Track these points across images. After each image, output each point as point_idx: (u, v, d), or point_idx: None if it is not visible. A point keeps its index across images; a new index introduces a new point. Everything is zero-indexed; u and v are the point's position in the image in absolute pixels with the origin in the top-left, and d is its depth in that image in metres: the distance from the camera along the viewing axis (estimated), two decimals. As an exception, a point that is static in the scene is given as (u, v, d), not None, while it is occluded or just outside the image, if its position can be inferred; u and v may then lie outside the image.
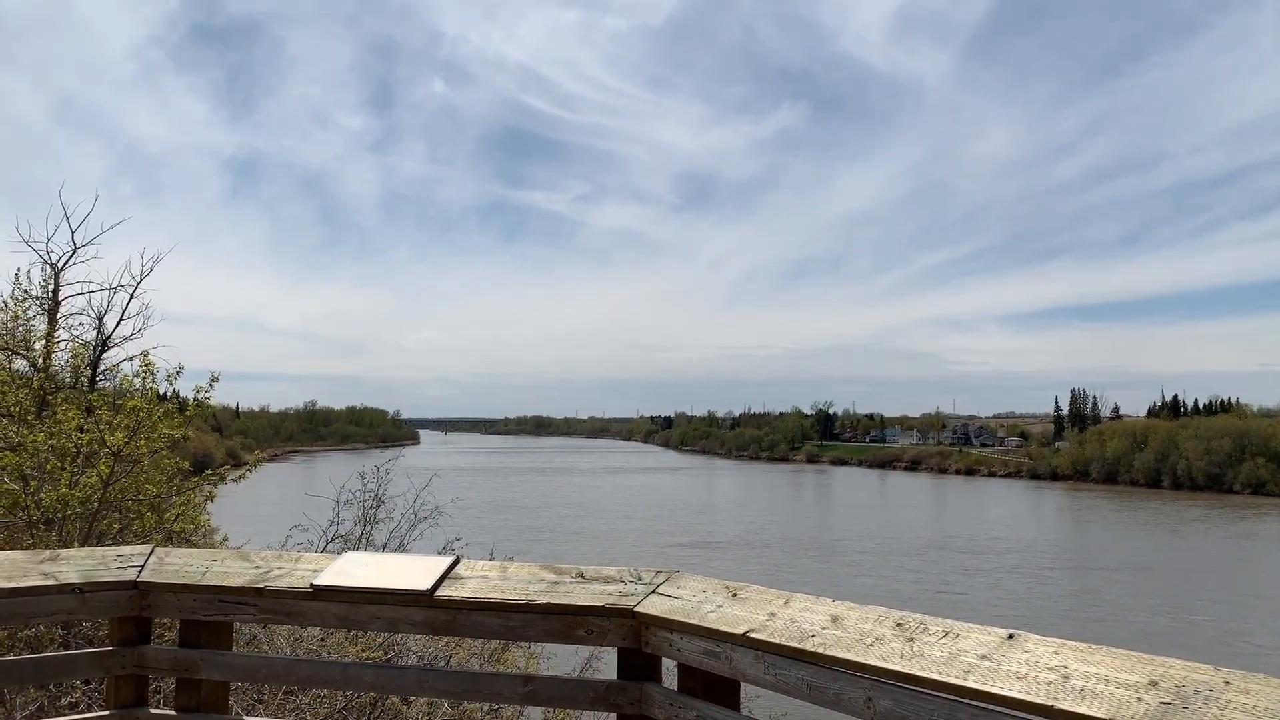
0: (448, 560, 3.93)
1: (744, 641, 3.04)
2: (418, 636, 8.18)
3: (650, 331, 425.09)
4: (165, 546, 5.05)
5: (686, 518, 75.53)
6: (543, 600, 3.53)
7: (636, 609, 3.41)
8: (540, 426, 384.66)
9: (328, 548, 10.10)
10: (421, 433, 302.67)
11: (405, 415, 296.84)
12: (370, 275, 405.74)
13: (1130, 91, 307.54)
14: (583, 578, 3.67)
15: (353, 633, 7.77)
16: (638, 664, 3.50)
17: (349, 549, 9.39)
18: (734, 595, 3.31)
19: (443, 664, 8.56)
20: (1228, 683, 2.06)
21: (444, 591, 3.70)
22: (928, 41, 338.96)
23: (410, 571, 3.90)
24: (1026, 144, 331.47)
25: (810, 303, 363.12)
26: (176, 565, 4.21)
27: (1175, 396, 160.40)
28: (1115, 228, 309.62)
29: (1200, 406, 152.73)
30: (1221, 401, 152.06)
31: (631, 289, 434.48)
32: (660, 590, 3.50)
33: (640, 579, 3.61)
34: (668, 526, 68.35)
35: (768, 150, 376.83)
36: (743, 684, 3.29)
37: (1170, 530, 75.66)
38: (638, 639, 3.45)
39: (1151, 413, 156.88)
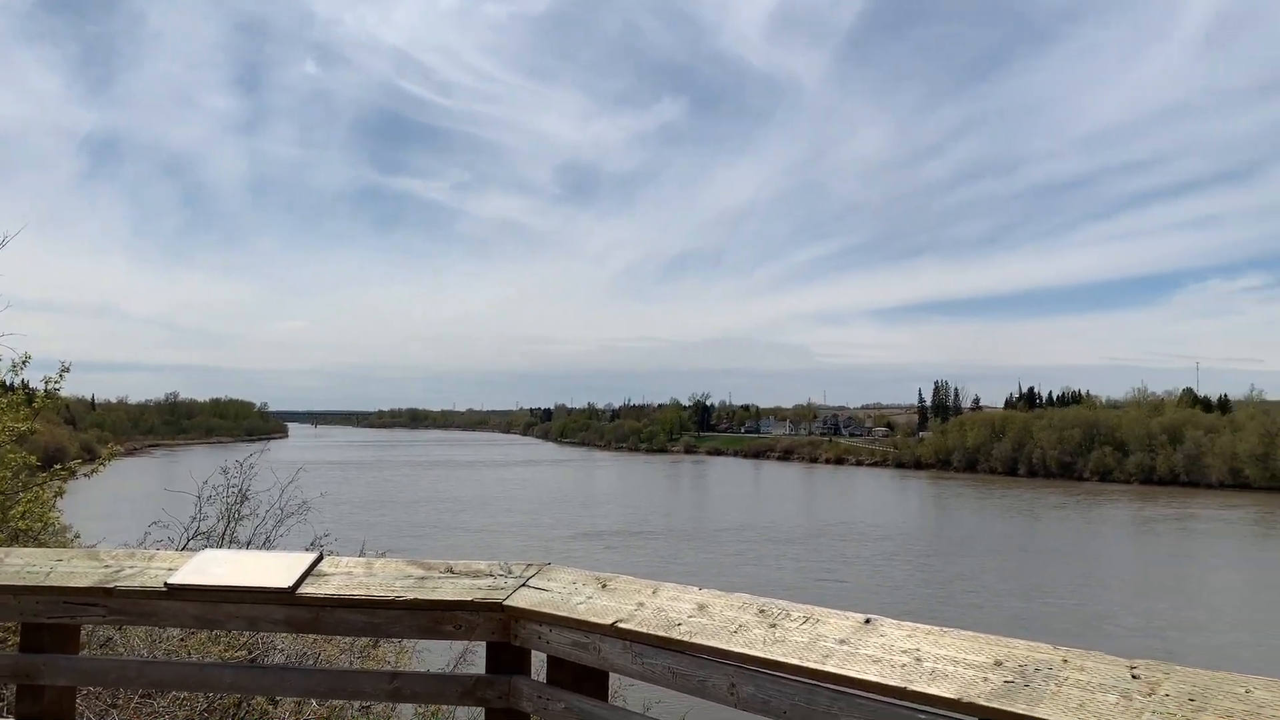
0: (311, 557, 3.84)
1: (612, 632, 3.06)
2: (286, 634, 7.95)
3: (531, 323, 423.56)
4: (8, 546, 4.79)
5: (568, 510, 75.44)
6: (410, 596, 3.48)
7: (506, 603, 3.40)
8: (416, 419, 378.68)
9: (189, 545, 9.70)
10: (290, 426, 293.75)
11: (273, 408, 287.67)
12: (237, 262, 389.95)
13: (993, 97, 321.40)
14: (452, 572, 3.64)
15: (216, 632, 7.51)
16: (506, 657, 3.49)
17: (211, 546, 9.07)
18: (604, 586, 3.33)
19: (310, 661, 8.36)
20: (1065, 660, 2.19)
21: (306, 589, 3.61)
22: (804, 42, 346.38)
23: (272, 568, 3.79)
24: (897, 145, 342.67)
25: (691, 296, 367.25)
26: (17, 566, 4.00)
27: (1031, 389, 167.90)
28: (977, 227, 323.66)
29: (1054, 398, 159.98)
30: (1073, 393, 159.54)
31: (512, 280, 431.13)
32: (531, 583, 3.50)
33: (511, 572, 3.59)
34: (549, 519, 68.09)
35: (649, 144, 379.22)
36: (611, 674, 3.31)
37: (1031, 516, 79.36)
38: (507, 633, 3.45)
39: (1009, 404, 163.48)
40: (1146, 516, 78.34)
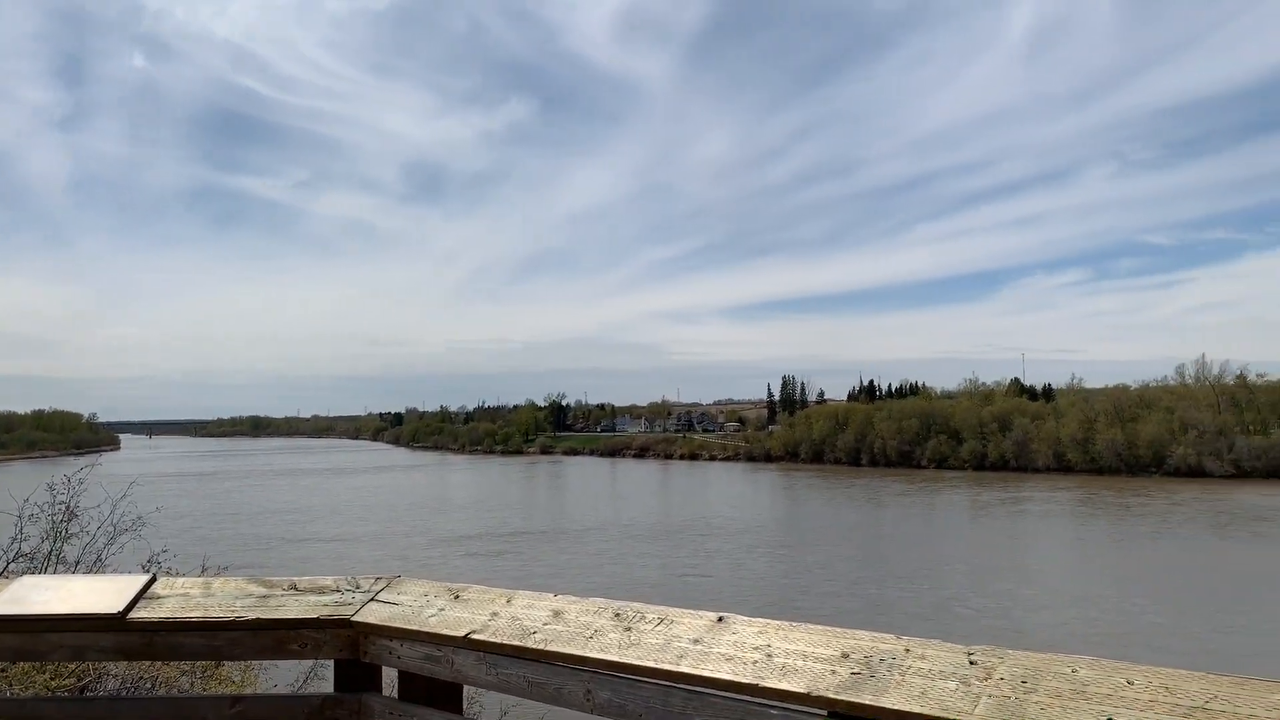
0: (144, 578, 3.60)
1: (466, 644, 3.02)
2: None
3: (379, 326, 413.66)
4: None
5: (424, 517, 73.86)
6: (251, 616, 3.32)
7: (354, 618, 3.30)
8: (258, 427, 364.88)
9: (9, 568, 9.05)
10: (123, 437, 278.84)
11: (103, 419, 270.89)
12: (62, 265, 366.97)
13: (832, 101, 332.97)
14: (296, 590, 3.50)
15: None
16: (356, 675, 3.39)
17: (34, 568, 8.51)
18: (456, 597, 3.28)
19: (148, 687, 7.94)
20: (908, 650, 2.28)
21: (138, 613, 3.38)
22: (650, 44, 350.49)
23: (100, 593, 3.53)
24: (742, 148, 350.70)
25: (544, 297, 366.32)
26: None
27: (872, 381, 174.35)
28: (820, 227, 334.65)
29: (893, 390, 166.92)
30: (910, 385, 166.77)
31: (359, 282, 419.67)
32: (380, 597, 3.41)
33: (359, 587, 3.49)
34: (404, 527, 66.55)
35: (498, 143, 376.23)
36: (466, 686, 3.26)
37: (878, 505, 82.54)
38: (356, 649, 3.34)
39: (852, 396, 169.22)
40: (983, 501, 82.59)
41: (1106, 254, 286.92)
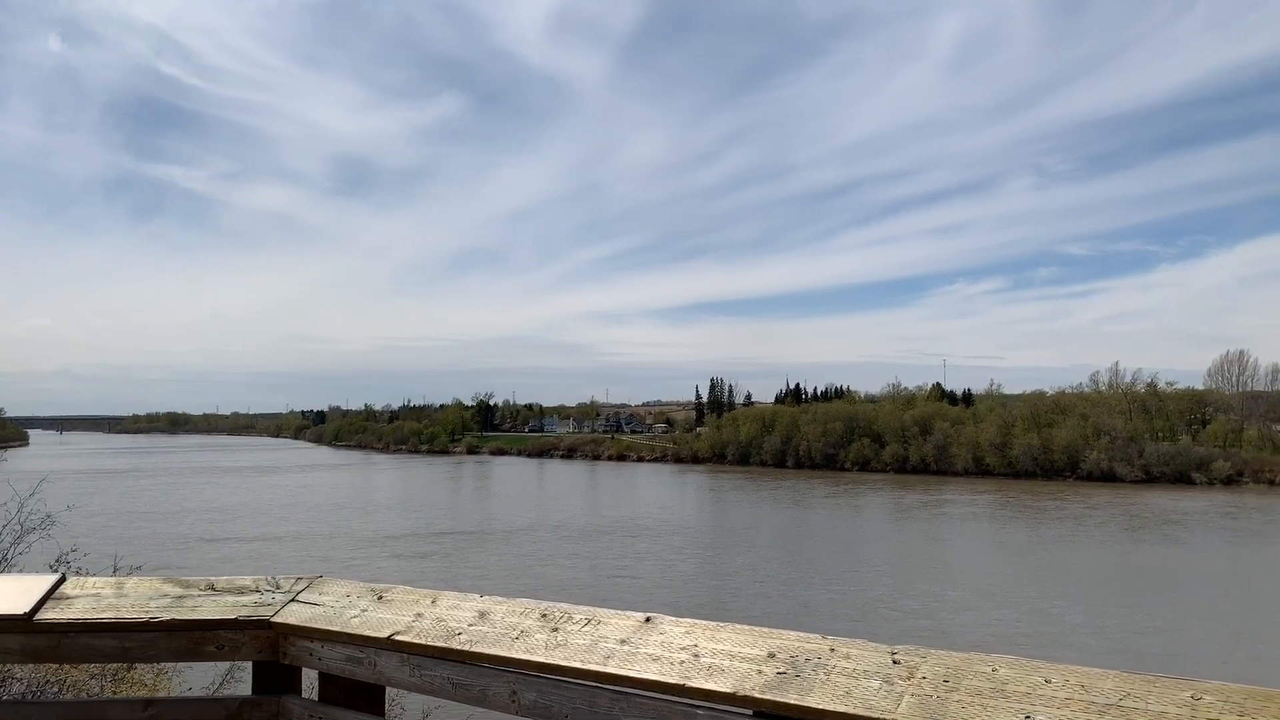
0: (52, 579, 3.43)
1: (389, 645, 2.97)
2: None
3: (303, 321, 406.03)
4: None
5: (348, 516, 72.57)
6: (166, 617, 3.20)
7: (274, 619, 3.22)
8: (176, 424, 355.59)
9: (-95, 570, 8.69)
10: (31, 433, 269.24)
11: (11, 413, 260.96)
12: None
13: (763, 106, 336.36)
14: (214, 590, 3.39)
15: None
16: (275, 677, 3.30)
17: (-67, 570, 8.18)
18: (380, 598, 3.24)
19: (55, 690, 7.68)
20: (833, 649, 2.30)
21: (46, 614, 3.22)
22: (584, 44, 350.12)
23: (6, 594, 3.39)
24: (674, 150, 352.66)
25: (473, 295, 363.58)
26: None
27: (798, 385, 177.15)
28: (750, 231, 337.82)
29: (818, 393, 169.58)
30: (836, 389, 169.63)
31: (283, 276, 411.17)
32: (301, 598, 3.34)
33: (279, 587, 3.41)
34: (328, 527, 65.29)
35: (429, 139, 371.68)
36: (388, 688, 3.20)
37: (805, 507, 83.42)
38: (275, 651, 3.26)
39: (779, 399, 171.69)
40: (907, 504, 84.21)
41: (1025, 263, 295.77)
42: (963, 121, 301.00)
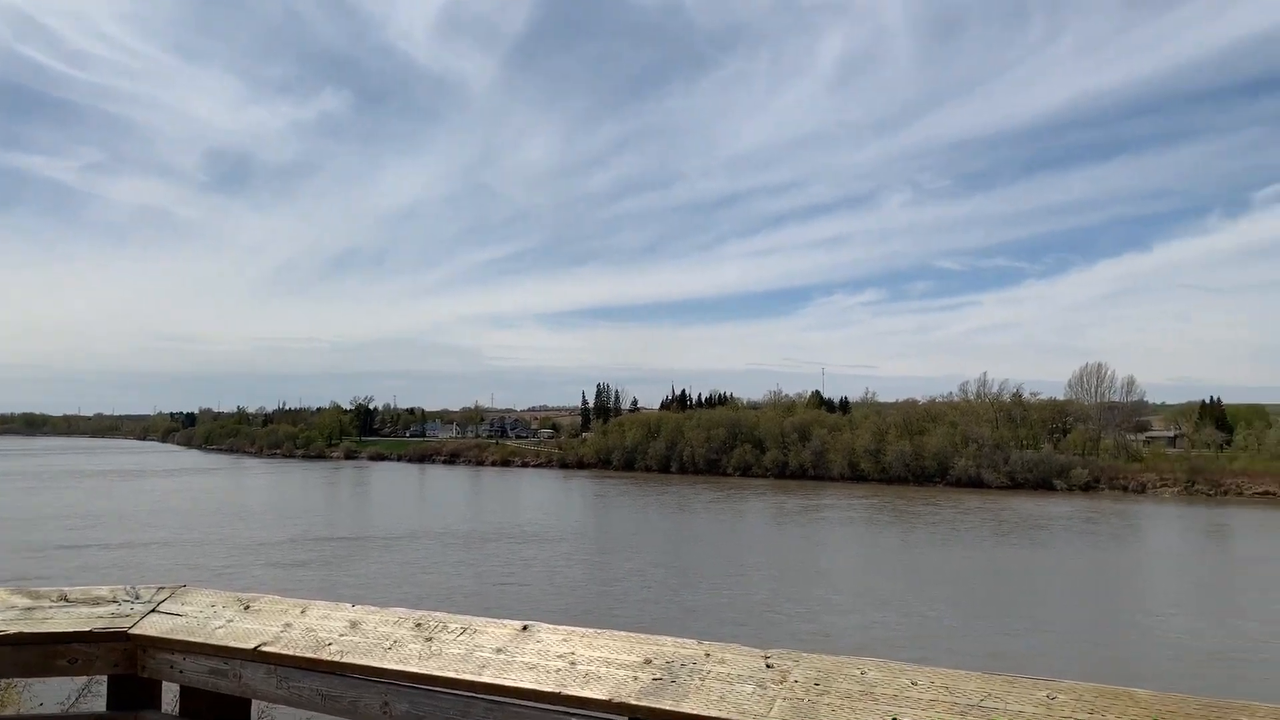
0: None
1: (255, 656, 2.93)
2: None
3: (175, 320, 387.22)
4: None
5: (218, 523, 69.83)
6: (13, 630, 3.05)
7: (132, 631, 3.12)
8: (33, 425, 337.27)
9: None
10: None
11: None
12: None
13: (653, 114, 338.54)
14: (67, 601, 3.27)
15: None
16: (133, 691, 3.19)
17: None
18: (246, 608, 3.19)
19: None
20: (708, 654, 2.35)
21: None
22: (473, 44, 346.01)
23: None
24: (564, 154, 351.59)
25: (354, 296, 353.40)
26: None
27: (683, 391, 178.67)
28: (638, 238, 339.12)
29: (703, 400, 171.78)
30: (720, 396, 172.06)
31: (154, 273, 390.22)
32: (162, 608, 3.25)
33: (139, 597, 3.32)
34: (197, 534, 62.70)
35: (310, 135, 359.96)
36: (254, 701, 3.15)
37: (691, 512, 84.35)
38: (133, 664, 3.15)
39: (664, 405, 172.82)
40: (789, 509, 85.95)
41: (901, 276, 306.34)
42: (845, 137, 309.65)
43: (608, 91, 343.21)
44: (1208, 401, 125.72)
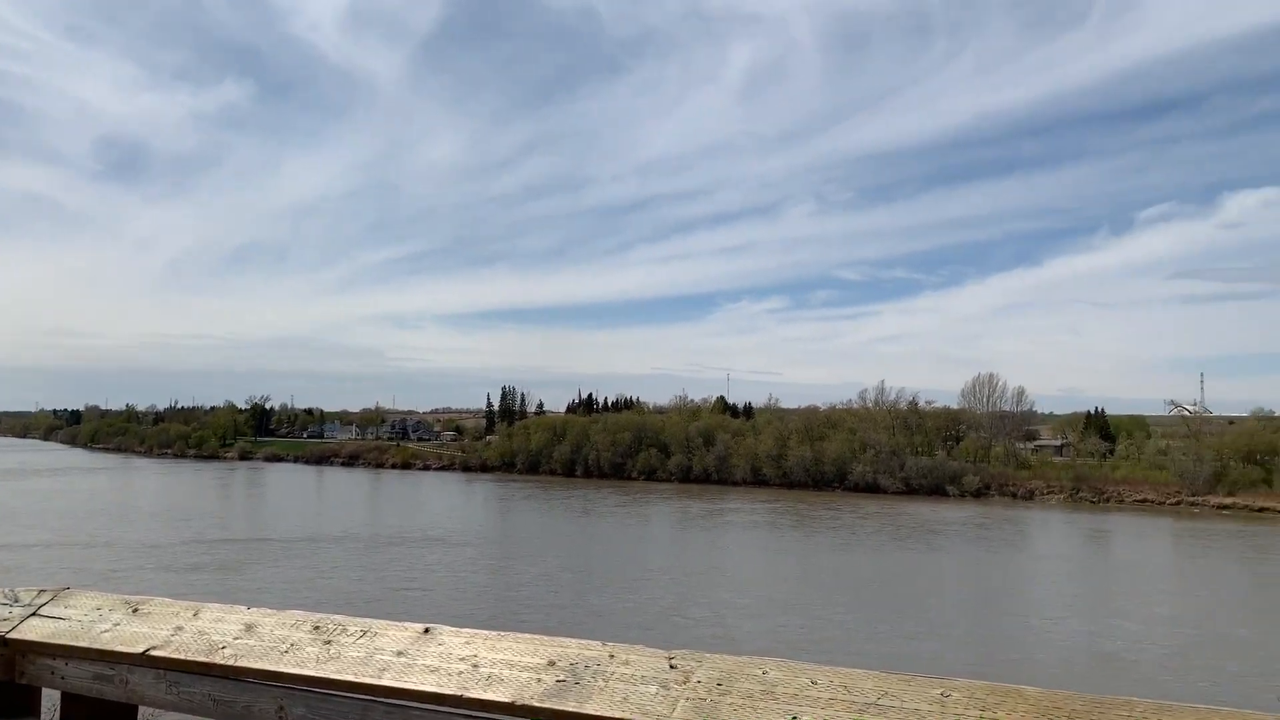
0: None
1: (144, 660, 2.87)
2: None
3: (59, 313, 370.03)
4: None
5: (108, 525, 67.03)
6: None
7: (10, 635, 3.05)
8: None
9: None
10: None
11: None
12: None
13: (564, 118, 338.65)
14: None
15: None
16: (9, 698, 3.11)
17: None
18: (135, 611, 3.11)
19: None
20: (612, 656, 2.38)
21: None
22: (381, 40, 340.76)
23: None
24: (472, 154, 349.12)
25: (252, 292, 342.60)
26: None
27: (590, 395, 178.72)
28: (546, 241, 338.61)
29: (609, 404, 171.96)
30: (626, 400, 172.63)
31: (38, 264, 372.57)
32: (43, 612, 3.17)
33: (17, 600, 3.23)
34: (83, 536, 60.05)
35: (210, 126, 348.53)
36: (141, 707, 3.07)
37: (598, 515, 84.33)
38: (11, 670, 3.08)
39: (570, 409, 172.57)
40: (694, 513, 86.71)
41: (805, 285, 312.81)
42: (752, 147, 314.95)
43: (518, 93, 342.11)
44: (1092, 412, 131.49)
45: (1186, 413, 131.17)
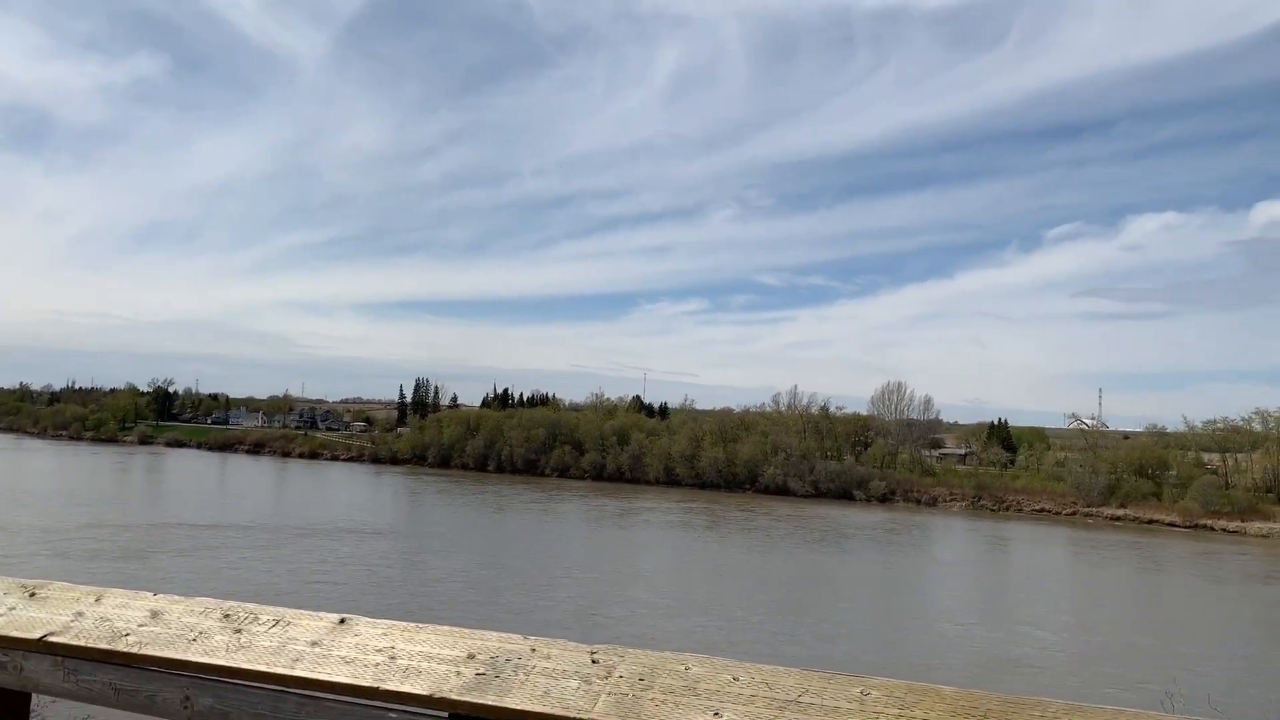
0: None
1: (40, 647, 2.70)
2: None
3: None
4: None
5: (-2, 508, 64.33)
6: None
7: None
8: None
9: None
10: None
11: None
12: None
13: (489, 110, 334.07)
14: None
15: None
16: None
17: None
18: (32, 595, 2.95)
19: None
20: (534, 650, 2.32)
21: None
22: (303, 19, 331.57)
23: None
24: (393, 141, 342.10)
25: (158, 272, 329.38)
26: None
27: (506, 390, 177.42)
28: (466, 233, 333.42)
29: (525, 399, 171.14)
30: (542, 396, 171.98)
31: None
32: None
33: None
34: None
35: (119, 98, 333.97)
36: (35, 695, 2.90)
37: (512, 512, 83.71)
38: None
39: (486, 403, 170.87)
40: (610, 511, 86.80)
41: (724, 288, 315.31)
42: (676, 149, 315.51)
43: (443, 82, 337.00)
44: (996, 423, 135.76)
45: (1085, 426, 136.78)
